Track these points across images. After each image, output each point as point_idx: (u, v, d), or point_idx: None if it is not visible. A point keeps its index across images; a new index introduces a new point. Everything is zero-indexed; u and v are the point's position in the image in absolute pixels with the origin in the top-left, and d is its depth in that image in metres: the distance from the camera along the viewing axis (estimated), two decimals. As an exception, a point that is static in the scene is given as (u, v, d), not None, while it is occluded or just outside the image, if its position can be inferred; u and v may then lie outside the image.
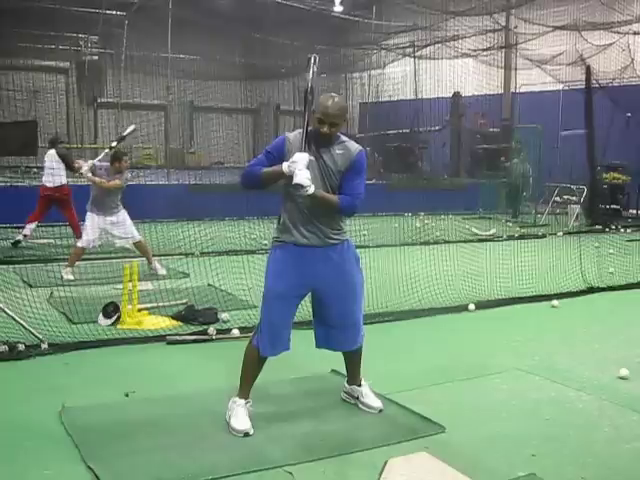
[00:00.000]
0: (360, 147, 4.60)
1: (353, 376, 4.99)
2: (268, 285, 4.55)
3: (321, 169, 4.42)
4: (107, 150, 9.29)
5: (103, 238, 9.38)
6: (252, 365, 4.61)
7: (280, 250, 4.55)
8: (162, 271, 9.44)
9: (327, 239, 4.52)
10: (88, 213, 9.16)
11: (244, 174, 4.50)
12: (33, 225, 11.57)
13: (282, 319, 4.55)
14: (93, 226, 9.09)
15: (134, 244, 9.46)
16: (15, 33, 19.95)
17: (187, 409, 4.86)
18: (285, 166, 4.26)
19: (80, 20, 21.63)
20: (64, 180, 11.32)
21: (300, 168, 4.18)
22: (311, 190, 4.23)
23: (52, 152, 11.41)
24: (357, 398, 4.96)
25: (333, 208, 4.45)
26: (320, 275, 4.53)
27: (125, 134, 9.47)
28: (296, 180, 4.18)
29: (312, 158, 4.30)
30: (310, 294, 4.68)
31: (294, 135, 4.49)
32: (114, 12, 22.05)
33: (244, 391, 4.59)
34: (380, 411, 4.85)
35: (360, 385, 4.98)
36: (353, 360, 4.95)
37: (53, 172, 11.15)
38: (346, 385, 5.05)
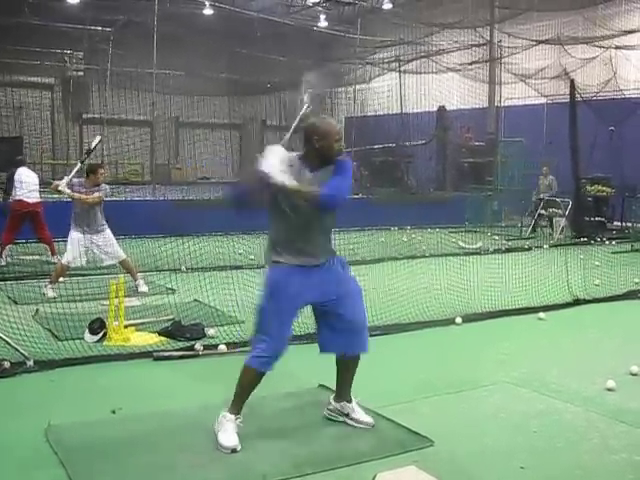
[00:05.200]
0: None
1: (345, 391, 4.88)
2: (270, 305, 4.48)
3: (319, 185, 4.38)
4: (79, 165, 9.12)
5: (90, 255, 9.20)
6: (251, 384, 4.52)
7: (278, 270, 4.51)
8: (143, 288, 9.31)
9: (320, 258, 4.54)
10: (72, 231, 8.94)
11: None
12: (7, 250, 11.45)
13: (284, 336, 4.50)
14: (75, 244, 8.89)
15: (120, 262, 9.31)
16: (-1, 49, 19.96)
17: (174, 425, 4.83)
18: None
19: (65, 36, 21.67)
20: (39, 196, 11.51)
21: (267, 159, 4.27)
22: (274, 180, 4.24)
23: (26, 169, 11.68)
24: (347, 415, 4.87)
25: (312, 199, 4.35)
26: (321, 288, 4.52)
27: (93, 147, 9.42)
28: (260, 168, 4.27)
29: (290, 155, 4.38)
30: (311, 307, 4.65)
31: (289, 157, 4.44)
32: (99, 28, 22.09)
33: (236, 407, 4.53)
34: (373, 426, 4.80)
35: (350, 401, 4.89)
36: (350, 372, 4.84)
37: (33, 188, 11.31)
38: (333, 402, 4.94)
